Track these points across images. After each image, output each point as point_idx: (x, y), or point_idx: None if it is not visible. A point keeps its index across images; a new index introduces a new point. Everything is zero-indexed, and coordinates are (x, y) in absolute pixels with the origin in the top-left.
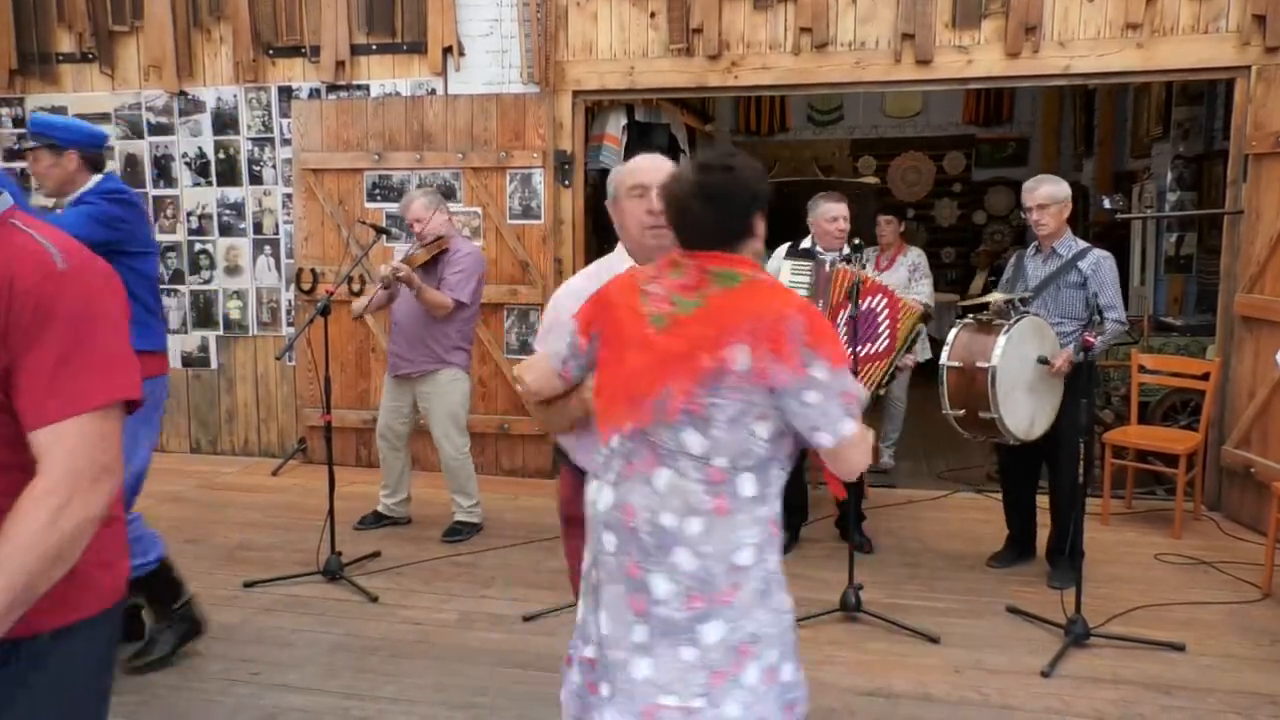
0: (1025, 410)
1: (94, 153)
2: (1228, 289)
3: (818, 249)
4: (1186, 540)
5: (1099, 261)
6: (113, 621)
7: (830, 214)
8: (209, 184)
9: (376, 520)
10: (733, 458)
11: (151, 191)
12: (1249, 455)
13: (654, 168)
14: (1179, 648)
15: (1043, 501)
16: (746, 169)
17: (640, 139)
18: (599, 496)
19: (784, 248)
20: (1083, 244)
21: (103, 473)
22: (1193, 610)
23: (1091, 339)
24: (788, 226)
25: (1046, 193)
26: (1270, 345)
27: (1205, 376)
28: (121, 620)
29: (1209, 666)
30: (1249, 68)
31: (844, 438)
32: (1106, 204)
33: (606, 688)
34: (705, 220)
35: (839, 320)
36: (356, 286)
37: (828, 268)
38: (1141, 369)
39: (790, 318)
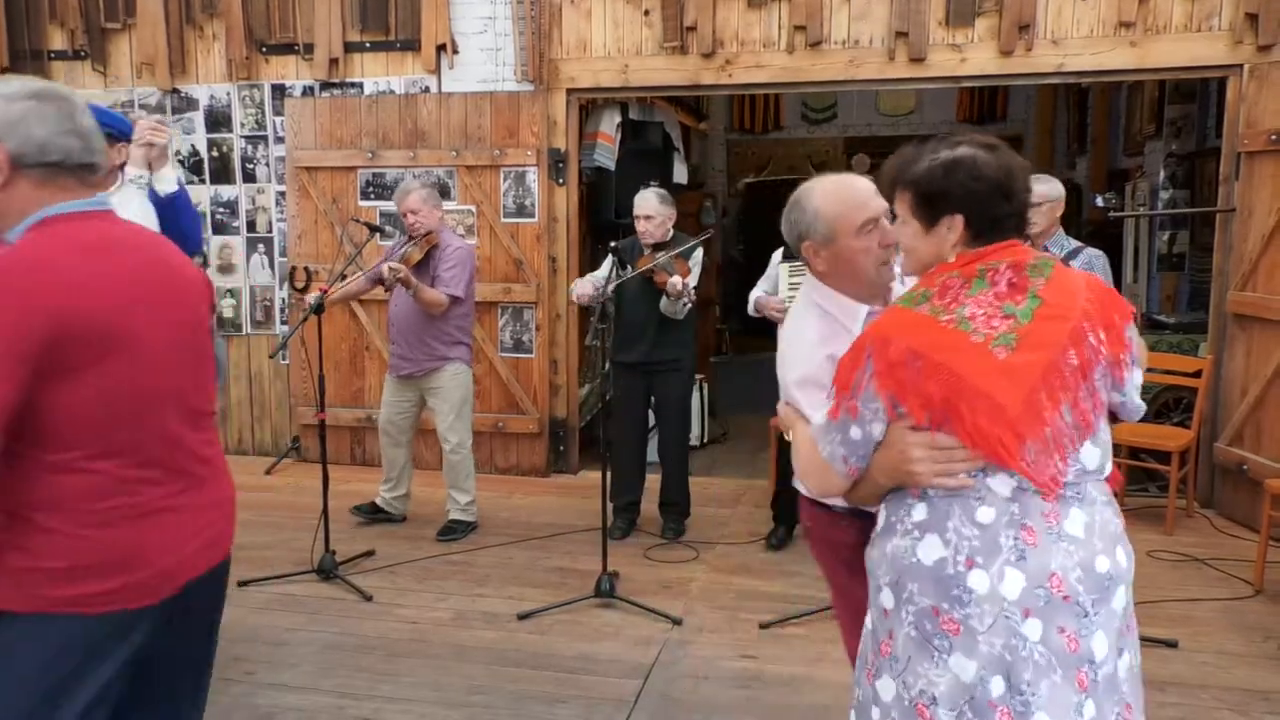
0: None
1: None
2: (1220, 287)
3: None
4: (1179, 537)
5: (1091, 261)
6: (58, 631)
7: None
8: (202, 182)
9: (373, 510)
10: (1110, 458)
11: None
12: (1242, 452)
13: (871, 191)
14: (1172, 644)
15: None
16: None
17: (634, 137)
18: (1000, 586)
19: (780, 251)
20: (1075, 243)
21: None
22: (1186, 607)
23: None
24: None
25: (1039, 191)
26: (1263, 342)
27: (1198, 374)
28: (97, 638)
29: (1202, 663)
30: (1241, 66)
31: (1139, 387)
32: (1099, 202)
33: None
34: (1016, 206)
35: None
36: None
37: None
38: None
39: (1104, 295)
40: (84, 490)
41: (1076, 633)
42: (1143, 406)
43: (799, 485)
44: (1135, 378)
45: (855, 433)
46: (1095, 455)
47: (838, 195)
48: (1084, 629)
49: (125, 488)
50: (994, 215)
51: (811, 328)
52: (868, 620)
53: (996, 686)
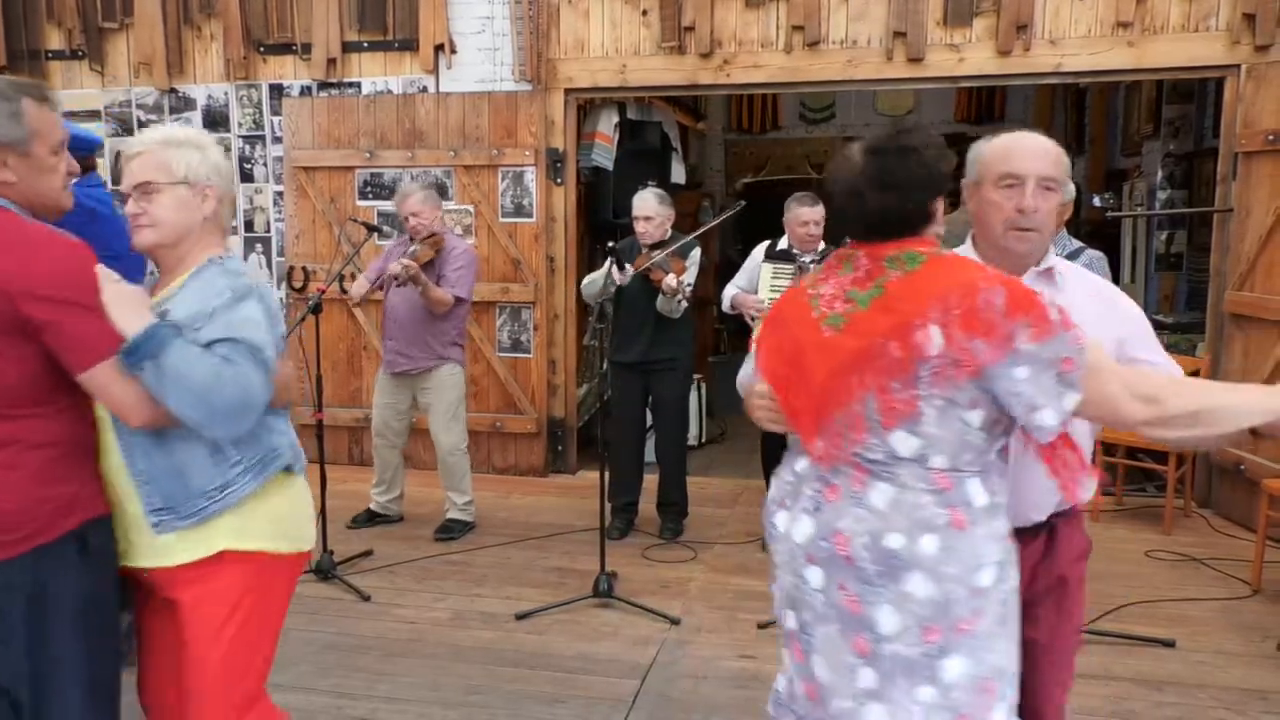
0: None
1: (77, 156)
2: (1218, 286)
3: (795, 250)
4: (1177, 537)
5: (1092, 262)
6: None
7: (802, 219)
8: None
9: (370, 519)
10: (952, 455)
11: None
12: (1239, 452)
13: (1036, 152)
14: (1170, 644)
15: None
16: (926, 148)
17: (632, 137)
18: (793, 528)
19: (762, 248)
20: (1077, 243)
21: None
22: (1183, 607)
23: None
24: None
25: None
26: (1260, 342)
27: (1195, 374)
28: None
29: (1200, 663)
30: (1239, 66)
31: (1068, 414)
32: (1097, 202)
33: None
34: (880, 210)
35: None
36: (348, 285)
37: (811, 271)
38: None
39: (984, 289)
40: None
41: (859, 596)
42: (1039, 426)
43: None
44: (1016, 373)
45: (746, 368)
46: (912, 444)
47: (1001, 142)
48: (867, 595)
49: None
50: (842, 214)
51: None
52: (926, 590)
53: (790, 620)
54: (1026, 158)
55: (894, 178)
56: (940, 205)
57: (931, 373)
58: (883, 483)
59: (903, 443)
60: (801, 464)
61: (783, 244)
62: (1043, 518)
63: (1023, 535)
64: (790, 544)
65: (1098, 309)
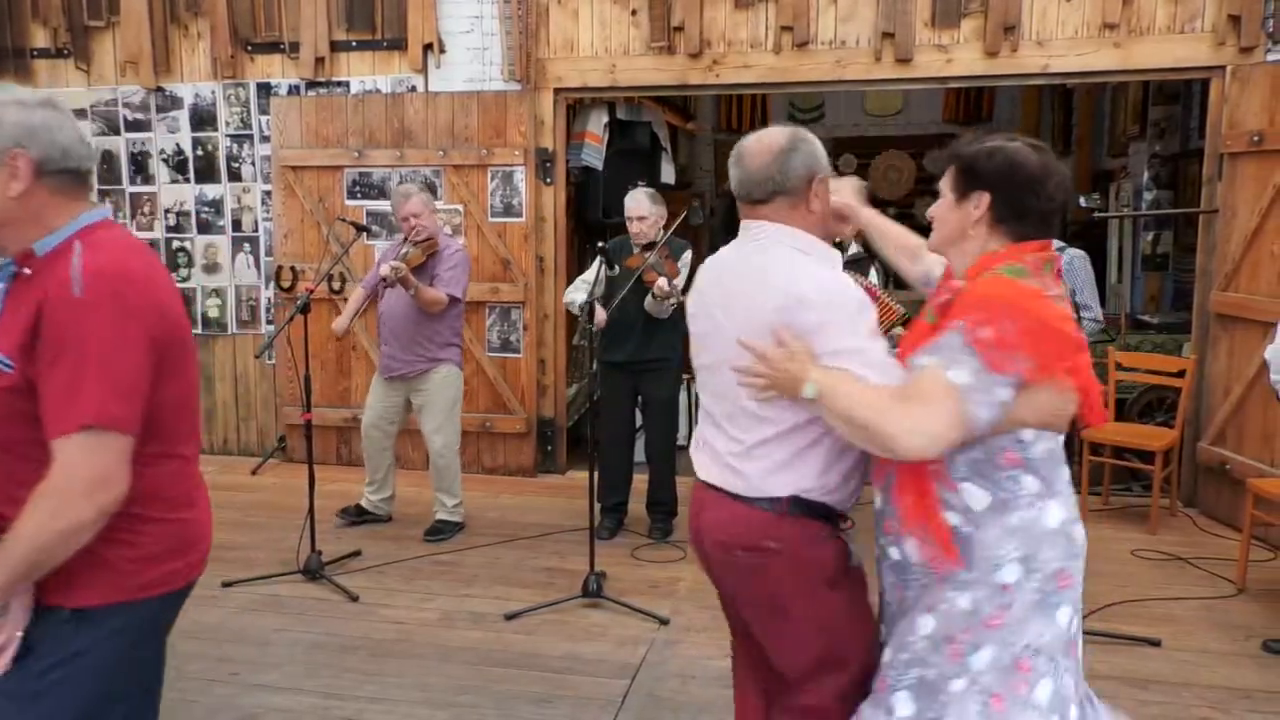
0: None
1: None
2: (1203, 287)
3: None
4: (1163, 536)
5: (1074, 261)
6: (143, 617)
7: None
8: (187, 181)
9: (359, 513)
10: None
11: (129, 188)
12: (1224, 452)
13: None
14: (1155, 643)
15: None
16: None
17: (622, 136)
18: (1083, 533)
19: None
20: (1058, 243)
21: (93, 486)
22: (1169, 606)
23: None
24: None
25: None
26: (1245, 342)
27: (1181, 374)
28: (157, 620)
29: (1185, 661)
30: (1224, 68)
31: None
32: (1084, 203)
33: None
34: (1043, 204)
35: None
36: (337, 285)
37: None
38: (1118, 366)
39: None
40: (170, 476)
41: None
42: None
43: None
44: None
45: (1003, 394)
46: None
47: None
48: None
49: (189, 471)
50: (1019, 204)
51: (836, 276)
52: (960, 603)
53: (1075, 624)
54: None
55: (1065, 180)
56: None
57: None
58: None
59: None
60: (1066, 472)
61: None
62: None
63: None
64: (1074, 540)
65: None
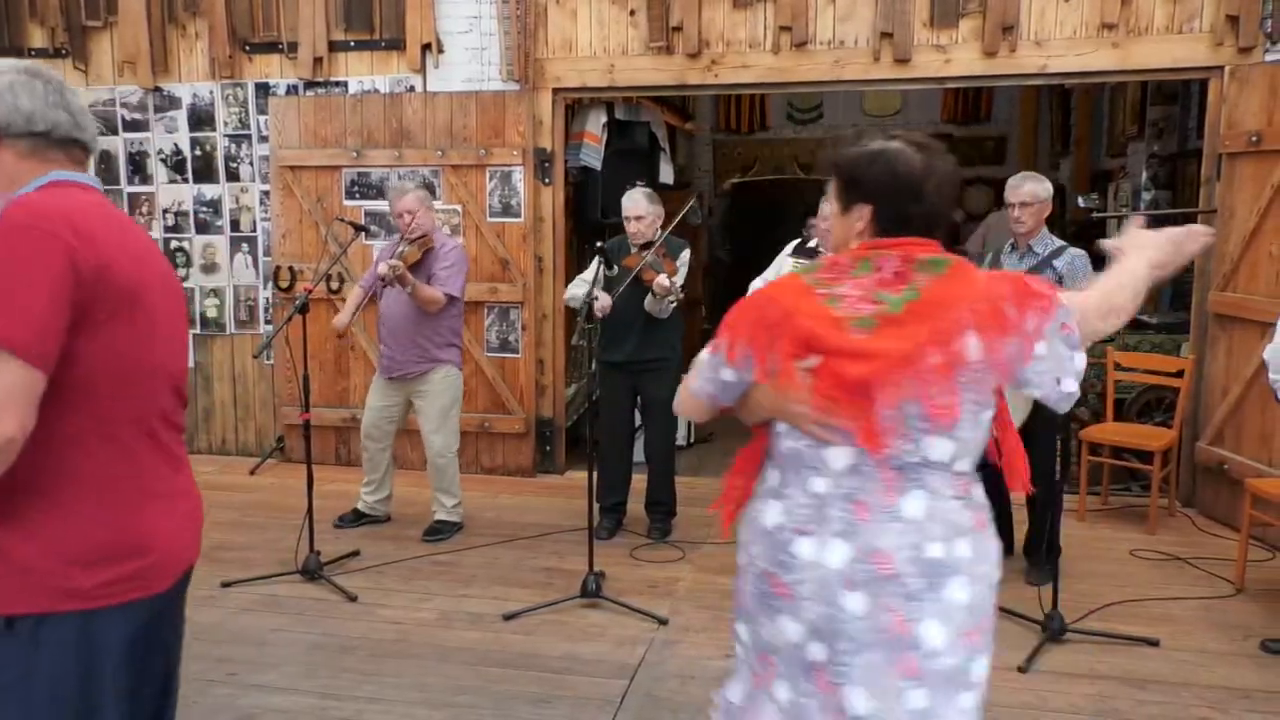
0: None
1: None
2: (1202, 287)
3: (821, 248)
4: (1161, 536)
5: (1074, 260)
6: (81, 631)
7: (822, 214)
8: (185, 181)
9: (356, 518)
10: (973, 457)
11: (126, 188)
12: (1222, 452)
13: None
14: (1154, 643)
15: (1019, 498)
16: (943, 153)
17: (620, 136)
18: (823, 554)
19: (791, 245)
20: (1058, 242)
21: None
22: (1167, 605)
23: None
24: (776, 223)
25: (1030, 190)
26: (1244, 342)
27: (1180, 374)
28: (104, 640)
29: (1183, 661)
30: (1222, 68)
31: (1081, 372)
32: (1082, 203)
33: None
34: (926, 207)
35: None
36: (335, 285)
37: None
38: (1117, 366)
39: (1002, 294)
40: (103, 464)
41: (905, 615)
42: (1068, 394)
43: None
44: (1038, 351)
45: (726, 375)
46: (946, 449)
47: None
48: (912, 612)
49: (136, 464)
50: (901, 212)
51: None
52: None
53: (817, 651)
54: None
55: (946, 176)
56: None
57: (969, 379)
58: (915, 490)
59: (936, 448)
60: (819, 484)
61: (812, 243)
62: None
63: None
64: (821, 571)
65: None
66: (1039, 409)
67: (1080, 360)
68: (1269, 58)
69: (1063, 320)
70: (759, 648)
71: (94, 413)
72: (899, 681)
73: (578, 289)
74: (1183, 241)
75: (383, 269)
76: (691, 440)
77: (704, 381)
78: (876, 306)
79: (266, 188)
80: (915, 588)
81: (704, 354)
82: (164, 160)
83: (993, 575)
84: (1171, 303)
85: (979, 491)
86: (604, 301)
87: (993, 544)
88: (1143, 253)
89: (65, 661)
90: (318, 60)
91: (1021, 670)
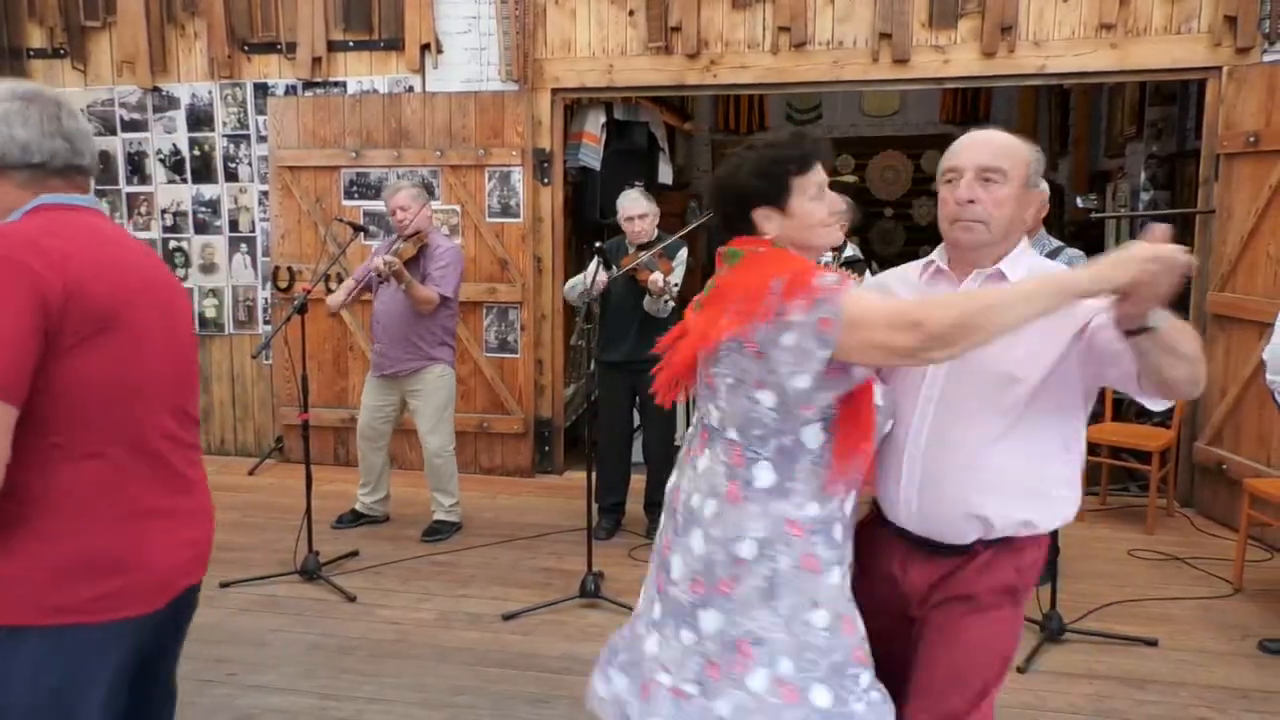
0: None
1: None
2: (1200, 287)
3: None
4: (1160, 536)
5: (1073, 261)
6: (72, 647)
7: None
8: (184, 181)
9: (354, 519)
10: (740, 429)
11: (125, 189)
12: (1221, 452)
13: (975, 144)
14: (1152, 643)
15: None
16: (743, 162)
17: (619, 137)
18: (671, 478)
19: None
20: (1056, 242)
21: None
22: (1165, 605)
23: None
24: None
25: None
26: (1242, 343)
27: None
28: (87, 660)
29: (1181, 661)
30: (1220, 68)
31: (819, 372)
32: (1080, 203)
33: (625, 655)
34: (716, 216)
35: None
36: (334, 285)
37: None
38: None
39: (774, 278)
40: (84, 482)
41: (670, 543)
42: (795, 390)
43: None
44: (784, 340)
45: None
46: (715, 415)
47: (955, 142)
48: (672, 543)
49: (123, 482)
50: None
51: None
52: (694, 546)
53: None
54: (964, 151)
55: (717, 186)
56: (764, 215)
57: (724, 353)
58: (707, 450)
59: (711, 414)
60: (690, 429)
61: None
62: (959, 542)
63: (942, 552)
64: (669, 491)
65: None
66: None
67: (821, 359)
68: (1267, 58)
69: (823, 314)
70: (734, 638)
71: (72, 433)
72: (652, 591)
73: (576, 280)
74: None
75: (378, 262)
76: None
77: None
78: (704, 293)
79: (265, 188)
80: (679, 524)
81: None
82: (162, 160)
83: (734, 546)
84: (1169, 303)
85: (761, 474)
86: (601, 277)
87: (746, 520)
88: (1094, 270)
89: (40, 674)
90: (316, 60)
91: (1020, 670)
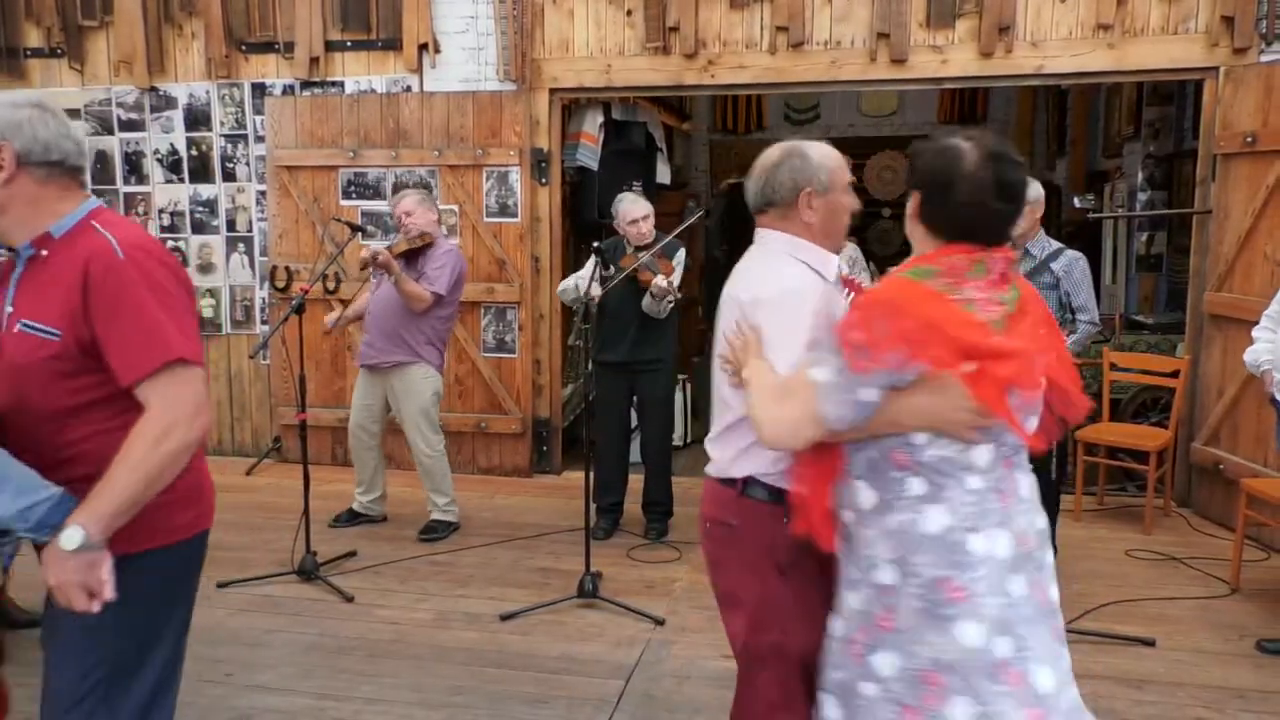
0: None
1: None
2: (1197, 287)
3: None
4: (1157, 536)
5: (1072, 263)
6: (182, 556)
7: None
8: (181, 181)
9: (352, 518)
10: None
11: (123, 188)
12: (1218, 452)
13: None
14: (1149, 643)
15: None
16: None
17: (617, 137)
18: (994, 548)
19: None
20: (1055, 244)
21: (196, 411)
22: (1163, 605)
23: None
24: None
25: None
26: (1239, 343)
27: (1175, 374)
28: (188, 563)
29: (1179, 661)
30: (1217, 68)
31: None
32: (1078, 203)
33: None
34: (1007, 217)
35: None
36: (332, 284)
37: None
38: (1113, 367)
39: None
40: None
41: (1043, 586)
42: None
43: (747, 446)
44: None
45: (866, 395)
46: (1031, 425)
47: (831, 153)
48: (1045, 580)
49: None
50: (979, 220)
51: (800, 280)
52: (851, 601)
53: (1003, 647)
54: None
55: (1020, 189)
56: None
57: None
58: (1019, 473)
59: (1031, 428)
60: (975, 481)
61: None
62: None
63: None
64: (994, 563)
65: None
66: None
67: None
68: (1264, 58)
69: None
70: (918, 670)
71: None
72: (1057, 646)
73: (571, 281)
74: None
75: (364, 254)
76: (688, 440)
77: (842, 405)
78: (1000, 308)
79: (263, 188)
80: (1041, 559)
81: (821, 376)
82: (160, 160)
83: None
84: (1167, 303)
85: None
86: (596, 289)
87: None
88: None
89: (162, 582)
90: (314, 60)
91: None
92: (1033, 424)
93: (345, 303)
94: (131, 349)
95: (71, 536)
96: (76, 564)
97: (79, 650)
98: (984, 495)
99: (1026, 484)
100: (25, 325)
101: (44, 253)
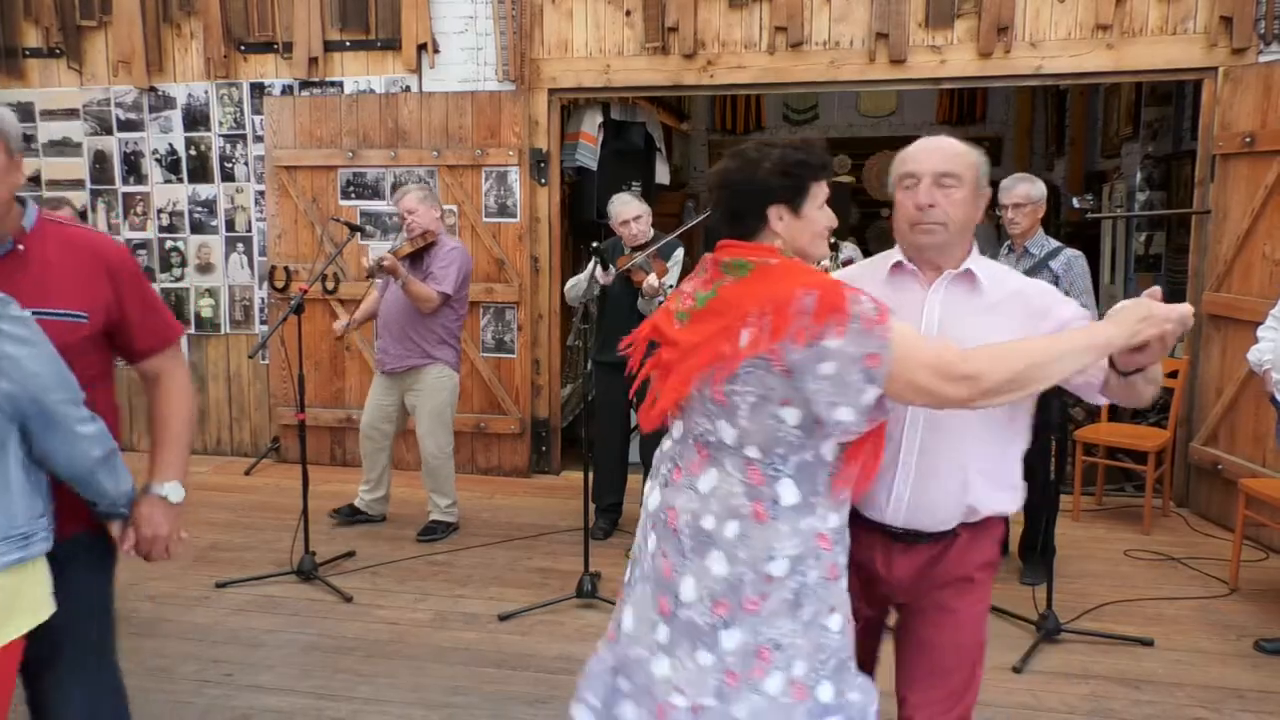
0: None
1: None
2: (1195, 288)
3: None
4: (1155, 536)
5: (1070, 261)
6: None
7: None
8: (180, 181)
9: (352, 513)
10: (763, 448)
11: (121, 188)
12: (1216, 452)
13: (930, 150)
14: (1148, 643)
15: None
16: (764, 158)
17: (616, 137)
18: (649, 497)
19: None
20: (1054, 243)
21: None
22: (1161, 605)
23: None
24: None
25: (1023, 192)
26: (1237, 343)
27: (1174, 374)
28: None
29: (1177, 661)
30: (1216, 69)
31: (867, 409)
32: (1076, 203)
33: (625, 683)
34: (719, 209)
35: None
36: (331, 285)
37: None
38: None
39: (800, 295)
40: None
41: (674, 566)
42: (835, 422)
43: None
44: (821, 369)
45: None
46: (731, 434)
47: (907, 148)
48: (678, 565)
49: None
50: (717, 211)
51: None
52: (716, 568)
53: (627, 573)
54: (921, 157)
55: (729, 181)
56: (777, 213)
57: (747, 370)
58: (712, 468)
59: (725, 431)
60: (668, 443)
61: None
62: (944, 529)
63: (923, 539)
64: (645, 510)
65: (1021, 312)
66: (1035, 410)
67: (871, 396)
68: (1263, 59)
69: (870, 350)
70: (755, 646)
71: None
72: (653, 614)
73: (576, 290)
74: (1170, 322)
75: (370, 262)
76: None
77: None
78: (690, 302)
79: (262, 188)
80: (685, 546)
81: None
82: (159, 160)
83: (765, 566)
84: (1166, 303)
85: (785, 492)
86: (600, 277)
87: (776, 540)
88: (1122, 325)
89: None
90: (313, 60)
91: (1016, 670)
92: (724, 429)
93: (346, 304)
94: (157, 327)
95: (177, 489)
96: (179, 514)
97: (87, 609)
98: (663, 458)
99: (708, 481)
100: (41, 313)
101: (21, 247)
